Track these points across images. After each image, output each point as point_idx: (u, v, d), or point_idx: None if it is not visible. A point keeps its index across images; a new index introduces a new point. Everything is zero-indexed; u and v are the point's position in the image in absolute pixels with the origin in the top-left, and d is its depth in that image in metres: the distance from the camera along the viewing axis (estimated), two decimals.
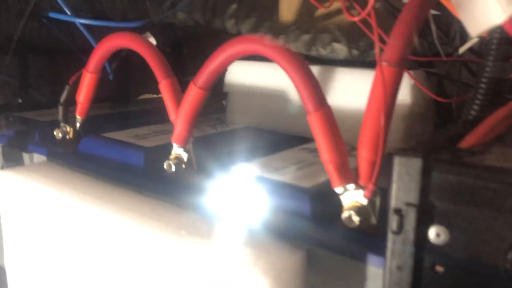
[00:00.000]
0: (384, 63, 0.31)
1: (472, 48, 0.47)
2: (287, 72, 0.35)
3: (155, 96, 0.79)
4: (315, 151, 0.39)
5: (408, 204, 0.24)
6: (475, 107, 0.30)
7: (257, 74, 0.58)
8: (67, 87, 0.52)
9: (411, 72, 0.47)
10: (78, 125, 0.54)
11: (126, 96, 0.71)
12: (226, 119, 0.62)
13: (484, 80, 0.30)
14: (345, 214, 0.33)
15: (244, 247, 0.33)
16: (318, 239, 0.34)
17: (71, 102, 0.53)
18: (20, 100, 0.68)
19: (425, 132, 0.49)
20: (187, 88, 0.41)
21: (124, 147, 0.47)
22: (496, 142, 0.29)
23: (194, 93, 0.40)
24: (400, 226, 0.25)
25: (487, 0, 0.20)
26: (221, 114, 0.65)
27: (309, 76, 0.34)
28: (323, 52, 0.57)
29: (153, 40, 0.53)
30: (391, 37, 0.31)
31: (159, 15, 0.60)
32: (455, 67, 0.58)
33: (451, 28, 0.49)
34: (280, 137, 0.54)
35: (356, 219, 0.33)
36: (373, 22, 0.32)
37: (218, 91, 0.63)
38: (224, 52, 0.38)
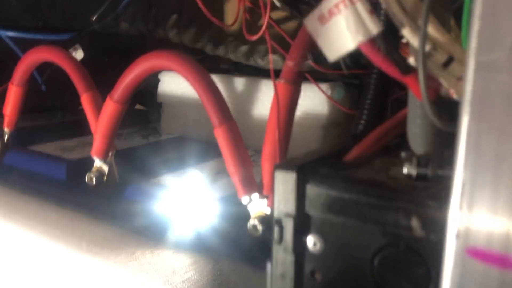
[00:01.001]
0: (280, 80, 0.33)
1: None
2: (195, 89, 0.36)
3: None
4: None
5: (287, 215, 0.26)
6: (362, 121, 0.32)
7: (189, 85, 0.59)
8: None
9: (329, 84, 0.49)
10: (6, 137, 0.53)
11: (63, 106, 0.71)
12: (160, 129, 0.63)
13: (369, 96, 0.32)
14: (250, 223, 0.35)
15: (153, 260, 0.34)
16: (226, 251, 0.35)
17: None
18: None
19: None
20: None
21: (47, 160, 0.47)
22: (383, 154, 0.31)
23: (110, 107, 0.41)
24: (281, 236, 0.26)
25: (339, 30, 0.22)
26: (158, 124, 0.65)
27: (214, 92, 0.36)
28: (261, 62, 0.58)
29: (80, 54, 0.53)
30: (288, 57, 0.33)
31: (102, 25, 0.60)
32: None
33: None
34: (209, 147, 0.55)
35: (260, 228, 0.34)
36: (268, 42, 0.34)
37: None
38: (137, 67, 0.39)
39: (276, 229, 0.26)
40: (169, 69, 0.37)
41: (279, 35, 0.55)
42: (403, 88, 0.45)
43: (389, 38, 0.22)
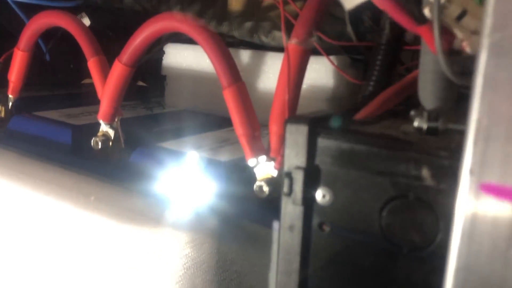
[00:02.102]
0: (291, 42, 0.33)
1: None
2: (204, 49, 0.36)
3: None
4: None
5: (297, 168, 0.26)
6: (371, 83, 0.32)
7: (194, 58, 0.59)
8: None
9: (335, 57, 0.49)
10: (10, 104, 0.53)
11: (67, 78, 0.71)
12: (165, 102, 0.63)
13: (378, 59, 0.32)
14: (257, 185, 0.35)
15: (151, 236, 0.34)
16: (233, 209, 0.35)
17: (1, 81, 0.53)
18: None
19: None
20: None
21: (52, 125, 0.47)
22: (391, 115, 0.31)
23: (118, 69, 0.41)
24: (290, 188, 0.27)
25: None
26: (162, 98, 0.65)
27: (224, 54, 0.36)
28: (265, 39, 0.58)
29: (87, 21, 0.53)
30: (298, 21, 0.33)
31: (105, 0, 0.60)
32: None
33: (382, 17, 0.52)
34: (213, 119, 0.55)
35: (266, 189, 0.35)
36: (280, 7, 0.34)
37: None
38: (146, 29, 0.39)
39: (286, 181, 0.27)
40: (178, 31, 0.37)
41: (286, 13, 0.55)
42: (403, 63, 0.45)
43: None
